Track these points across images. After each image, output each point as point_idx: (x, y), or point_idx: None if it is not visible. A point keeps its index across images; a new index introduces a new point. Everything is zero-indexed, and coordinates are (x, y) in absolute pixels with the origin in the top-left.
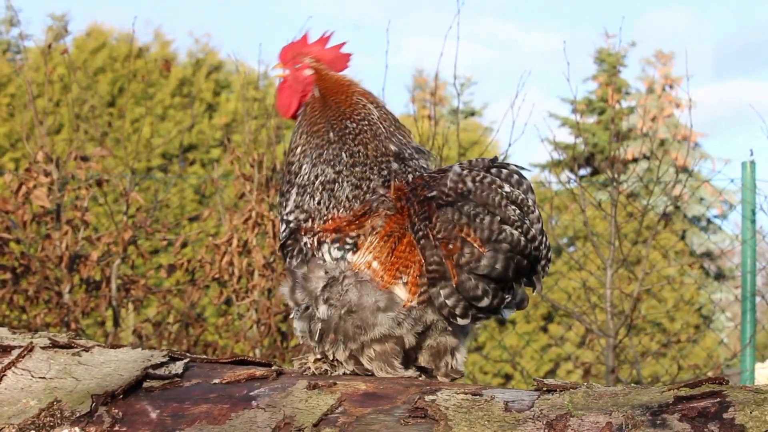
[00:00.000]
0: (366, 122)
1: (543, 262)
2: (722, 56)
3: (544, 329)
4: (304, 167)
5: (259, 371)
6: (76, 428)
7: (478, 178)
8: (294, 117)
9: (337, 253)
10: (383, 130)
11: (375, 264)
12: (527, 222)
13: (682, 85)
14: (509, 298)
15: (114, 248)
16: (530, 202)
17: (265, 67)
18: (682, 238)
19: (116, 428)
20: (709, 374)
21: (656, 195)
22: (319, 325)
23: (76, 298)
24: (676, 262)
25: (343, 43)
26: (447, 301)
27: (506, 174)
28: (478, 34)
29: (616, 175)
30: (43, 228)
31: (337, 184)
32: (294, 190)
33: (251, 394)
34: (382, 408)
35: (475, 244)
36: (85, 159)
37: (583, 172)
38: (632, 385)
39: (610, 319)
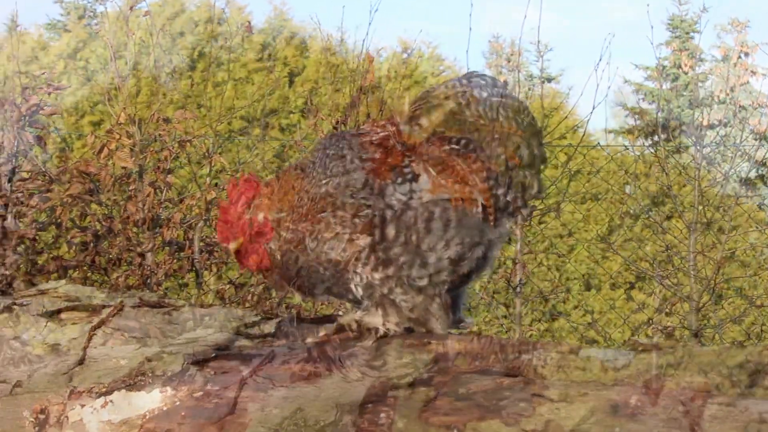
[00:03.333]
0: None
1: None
2: None
3: (629, 296)
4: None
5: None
6: (168, 387)
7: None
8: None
9: (404, 188)
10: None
11: (445, 180)
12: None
13: (758, 52)
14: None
15: (197, 210)
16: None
17: (341, 34)
18: (760, 207)
19: (208, 387)
20: None
21: (737, 160)
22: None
23: (158, 260)
24: (758, 229)
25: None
26: (508, 198)
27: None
28: (554, 1)
29: (699, 139)
30: (125, 190)
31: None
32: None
33: (345, 353)
34: (477, 367)
35: (511, 132)
36: (167, 121)
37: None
38: (728, 345)
39: (693, 282)
